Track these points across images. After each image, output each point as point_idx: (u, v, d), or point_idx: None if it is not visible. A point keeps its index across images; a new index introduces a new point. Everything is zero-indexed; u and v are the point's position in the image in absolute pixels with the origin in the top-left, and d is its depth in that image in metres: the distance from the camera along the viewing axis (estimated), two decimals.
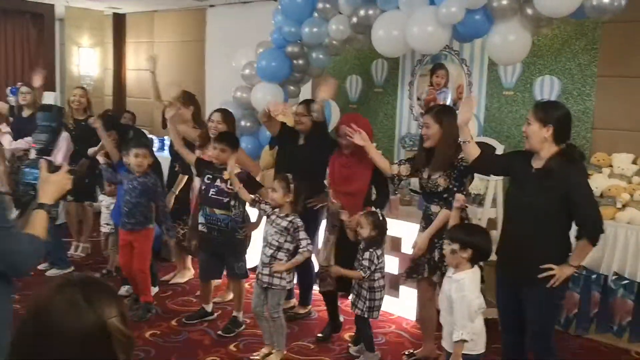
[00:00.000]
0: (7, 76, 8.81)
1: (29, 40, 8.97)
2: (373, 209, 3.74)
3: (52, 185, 2.14)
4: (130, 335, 1.17)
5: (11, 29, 8.80)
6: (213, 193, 4.16)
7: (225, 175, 4.03)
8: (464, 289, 2.89)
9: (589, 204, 2.99)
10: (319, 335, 4.25)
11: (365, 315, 3.78)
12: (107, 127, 4.91)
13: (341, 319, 4.39)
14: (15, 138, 5.75)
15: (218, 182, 4.15)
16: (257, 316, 3.93)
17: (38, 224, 2.07)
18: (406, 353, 4.00)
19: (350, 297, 3.87)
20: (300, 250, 3.77)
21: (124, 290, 4.90)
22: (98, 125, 4.84)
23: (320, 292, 4.26)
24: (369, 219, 3.68)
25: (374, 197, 4.08)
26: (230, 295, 4.80)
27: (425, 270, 3.74)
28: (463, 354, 2.94)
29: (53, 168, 2.16)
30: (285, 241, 3.77)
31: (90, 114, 5.83)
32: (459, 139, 3.38)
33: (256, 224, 4.28)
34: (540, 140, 2.99)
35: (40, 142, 5.01)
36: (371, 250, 3.68)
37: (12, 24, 8.78)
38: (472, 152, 3.34)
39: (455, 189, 3.59)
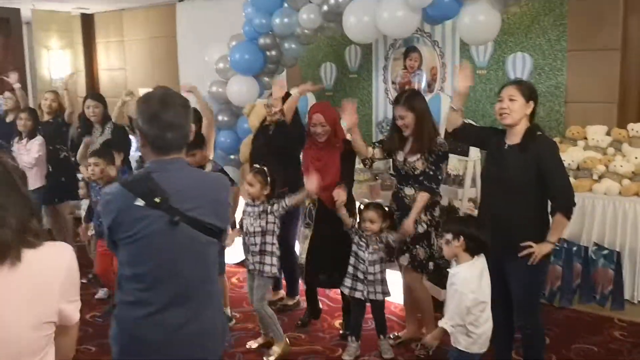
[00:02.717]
0: None
1: None
2: (366, 201, 3.78)
3: None
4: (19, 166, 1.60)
5: None
6: None
7: None
8: (456, 283, 2.87)
9: (561, 177, 3.06)
10: (298, 322, 4.31)
11: (387, 297, 3.80)
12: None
13: (320, 305, 4.46)
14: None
15: None
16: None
17: None
18: (391, 336, 4.05)
19: (362, 288, 3.76)
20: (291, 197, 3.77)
21: (101, 293, 4.88)
22: None
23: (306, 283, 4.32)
24: (379, 211, 3.67)
25: None
26: None
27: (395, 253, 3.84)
28: (460, 350, 2.92)
29: None
30: (267, 222, 3.76)
31: (62, 116, 5.83)
32: (450, 105, 3.41)
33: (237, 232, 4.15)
34: (522, 116, 3.06)
35: None
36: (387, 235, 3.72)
37: None
38: (454, 118, 3.37)
39: (431, 172, 3.64)
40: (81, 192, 5.30)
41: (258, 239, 3.77)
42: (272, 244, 3.78)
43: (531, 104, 3.07)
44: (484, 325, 2.90)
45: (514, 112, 3.04)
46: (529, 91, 3.08)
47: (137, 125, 2.00)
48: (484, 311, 2.90)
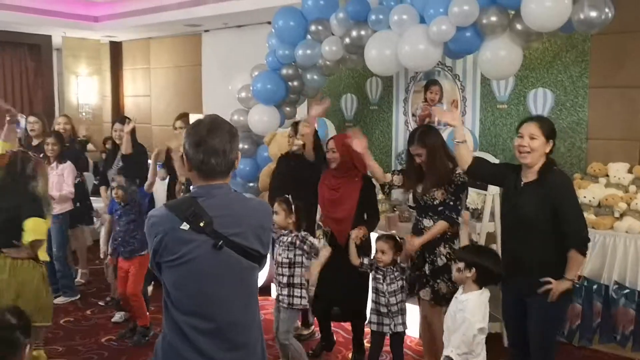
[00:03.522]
0: None
1: (27, 71, 9.04)
2: (381, 232, 3.76)
3: None
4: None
5: (9, 61, 8.86)
6: None
7: None
8: (466, 311, 2.88)
9: (574, 212, 3.03)
10: (310, 351, 4.27)
11: (406, 328, 3.78)
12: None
13: (334, 337, 4.43)
14: None
15: None
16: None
17: None
18: None
19: (388, 322, 3.72)
20: (320, 249, 3.73)
21: (117, 317, 4.90)
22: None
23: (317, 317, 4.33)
24: (390, 242, 3.67)
25: None
26: None
27: (415, 287, 3.79)
28: None
29: None
30: (295, 255, 3.77)
31: (75, 139, 6.03)
32: (455, 139, 3.42)
33: None
34: (541, 155, 3.06)
35: None
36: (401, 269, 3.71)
37: (10, 55, 8.85)
38: (462, 153, 3.39)
39: (451, 203, 3.62)
40: (99, 215, 5.46)
41: (286, 271, 3.78)
42: (301, 276, 3.78)
43: (550, 142, 3.07)
44: (481, 355, 2.92)
45: (534, 151, 3.04)
46: (549, 130, 3.09)
47: (184, 151, 2.04)
48: (481, 341, 2.92)
